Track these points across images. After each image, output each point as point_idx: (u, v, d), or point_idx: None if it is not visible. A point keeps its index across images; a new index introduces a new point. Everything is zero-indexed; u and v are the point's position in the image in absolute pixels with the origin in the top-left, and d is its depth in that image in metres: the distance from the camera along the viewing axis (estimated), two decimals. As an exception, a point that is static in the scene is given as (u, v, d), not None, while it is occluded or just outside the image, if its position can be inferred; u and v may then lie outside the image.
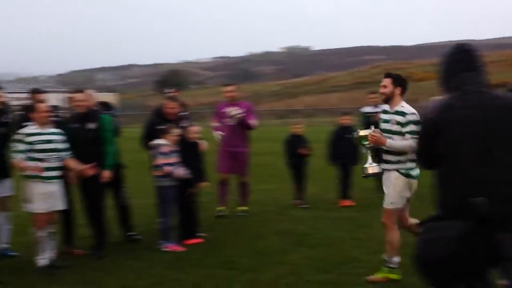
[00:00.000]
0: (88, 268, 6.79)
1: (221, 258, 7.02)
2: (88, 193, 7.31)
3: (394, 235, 5.94)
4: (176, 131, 7.72)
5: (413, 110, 5.84)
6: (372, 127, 6.02)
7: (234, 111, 9.53)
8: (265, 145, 19.18)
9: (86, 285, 6.23)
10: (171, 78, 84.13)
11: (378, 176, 6.46)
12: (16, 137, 6.62)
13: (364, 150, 6.20)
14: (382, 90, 5.93)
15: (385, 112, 6.02)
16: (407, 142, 5.72)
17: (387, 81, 5.93)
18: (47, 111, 6.72)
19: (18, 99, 25.63)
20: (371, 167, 6.09)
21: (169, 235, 7.66)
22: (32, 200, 6.60)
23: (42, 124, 6.65)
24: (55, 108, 7.72)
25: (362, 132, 6.04)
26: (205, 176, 8.19)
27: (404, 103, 5.91)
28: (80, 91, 7.54)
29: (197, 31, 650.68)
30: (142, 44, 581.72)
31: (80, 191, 7.36)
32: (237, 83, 10.34)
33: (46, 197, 6.60)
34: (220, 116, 9.70)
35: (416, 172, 5.90)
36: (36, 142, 6.54)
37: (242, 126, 9.56)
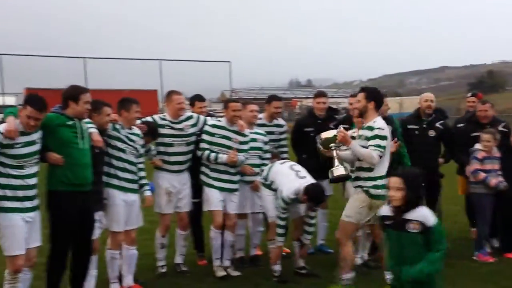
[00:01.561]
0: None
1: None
2: None
3: (348, 251, 5.89)
4: (489, 137, 7.27)
5: (382, 125, 5.75)
6: (341, 127, 6.01)
7: None
8: None
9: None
10: (487, 79, 79.52)
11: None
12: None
13: (331, 154, 6.00)
14: (355, 105, 5.80)
15: (362, 127, 5.91)
16: (368, 151, 5.63)
17: (360, 96, 5.82)
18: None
19: (335, 103, 27.33)
20: (337, 169, 5.93)
21: (484, 244, 7.26)
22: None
23: (360, 128, 6.87)
24: None
25: (326, 134, 5.93)
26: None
27: (377, 118, 5.80)
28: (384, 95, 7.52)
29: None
30: (455, 45, 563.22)
31: None
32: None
33: None
34: None
35: (378, 191, 5.64)
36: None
37: None
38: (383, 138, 5.69)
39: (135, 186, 6.16)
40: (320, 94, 7.85)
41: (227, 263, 6.88)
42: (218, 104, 32.42)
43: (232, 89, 37.72)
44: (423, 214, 4.20)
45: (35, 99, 5.09)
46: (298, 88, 72.73)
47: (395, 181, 4.21)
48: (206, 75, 36.81)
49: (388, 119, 7.31)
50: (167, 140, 6.68)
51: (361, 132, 5.88)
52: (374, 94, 5.88)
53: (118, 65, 35.73)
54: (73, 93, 5.40)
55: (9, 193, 5.00)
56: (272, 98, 7.58)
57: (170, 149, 6.69)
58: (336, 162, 6.00)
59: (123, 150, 6.02)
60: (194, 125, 6.80)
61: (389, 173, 6.95)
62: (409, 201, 4.17)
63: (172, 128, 6.68)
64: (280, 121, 7.67)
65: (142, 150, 6.32)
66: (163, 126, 6.66)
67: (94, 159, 5.56)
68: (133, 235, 6.23)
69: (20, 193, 5.04)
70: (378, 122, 5.77)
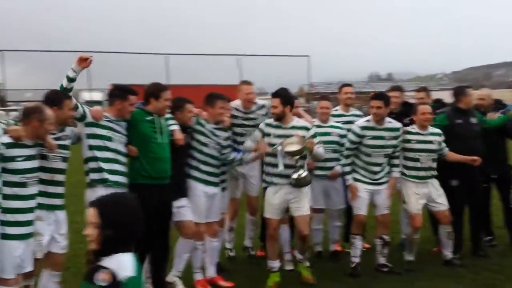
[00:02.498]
0: (486, 270, 6.60)
1: None
2: (470, 191, 7.08)
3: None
4: None
5: (307, 124, 6.25)
6: (297, 137, 5.89)
7: None
8: None
9: (486, 286, 6.11)
10: None
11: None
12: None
13: (294, 163, 5.97)
14: (273, 110, 6.00)
15: (278, 127, 6.06)
16: (322, 150, 6.17)
17: (276, 102, 5.99)
18: (428, 113, 6.71)
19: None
20: (306, 175, 5.98)
21: None
22: (407, 200, 6.79)
23: (421, 126, 6.73)
24: (442, 104, 7.77)
25: (290, 148, 5.82)
26: None
27: (297, 118, 6.22)
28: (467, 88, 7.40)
29: None
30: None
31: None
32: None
33: (420, 197, 6.69)
34: None
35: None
36: (414, 141, 6.68)
37: None
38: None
39: (216, 179, 6.26)
40: (393, 89, 7.75)
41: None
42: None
43: (310, 84, 37.57)
44: (119, 262, 2.81)
45: (129, 88, 5.53)
46: (378, 82, 71.32)
47: (90, 213, 2.83)
48: (285, 69, 36.84)
49: (471, 112, 7.16)
50: (238, 129, 6.77)
51: (287, 131, 6.00)
52: (288, 98, 6.13)
53: (198, 61, 36.37)
54: (154, 91, 5.63)
55: (107, 165, 5.29)
56: (342, 85, 7.70)
57: (240, 138, 6.73)
58: (301, 169, 5.97)
59: (205, 144, 6.13)
60: (265, 115, 6.84)
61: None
62: (106, 242, 2.80)
63: (244, 118, 6.77)
64: (358, 112, 7.65)
65: (226, 143, 6.38)
66: (235, 116, 6.74)
67: (179, 150, 5.75)
68: (215, 227, 6.35)
69: (115, 166, 5.33)
70: (301, 121, 6.23)
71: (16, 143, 4.59)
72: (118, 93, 5.43)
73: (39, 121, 4.63)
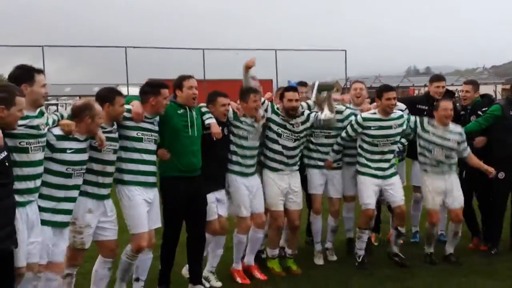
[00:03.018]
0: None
1: None
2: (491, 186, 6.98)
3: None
4: None
5: None
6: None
7: None
8: None
9: None
10: None
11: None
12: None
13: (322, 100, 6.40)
14: (295, 104, 6.26)
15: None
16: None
17: (297, 95, 6.31)
18: (449, 109, 6.59)
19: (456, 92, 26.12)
20: (331, 118, 6.37)
21: None
22: (425, 196, 6.79)
23: (441, 122, 6.62)
24: (489, 99, 7.62)
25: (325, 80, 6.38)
26: None
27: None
28: None
29: None
30: None
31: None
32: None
33: (437, 194, 6.64)
34: None
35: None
36: (431, 134, 6.63)
37: None
38: None
39: (254, 169, 6.28)
40: (437, 79, 7.60)
41: (328, 245, 6.97)
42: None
43: (347, 78, 37.30)
44: None
45: (159, 82, 5.56)
46: (416, 76, 70.21)
47: None
48: (321, 64, 36.61)
49: None
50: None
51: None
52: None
53: (234, 56, 36.47)
54: (177, 82, 5.70)
55: (131, 166, 5.29)
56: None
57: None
58: (327, 110, 6.34)
59: (245, 138, 6.13)
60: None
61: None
62: None
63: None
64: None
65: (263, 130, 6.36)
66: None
67: (215, 142, 5.78)
68: (262, 218, 6.33)
69: (141, 167, 5.31)
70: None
71: (67, 136, 4.71)
72: (150, 89, 5.43)
73: (91, 117, 4.78)
